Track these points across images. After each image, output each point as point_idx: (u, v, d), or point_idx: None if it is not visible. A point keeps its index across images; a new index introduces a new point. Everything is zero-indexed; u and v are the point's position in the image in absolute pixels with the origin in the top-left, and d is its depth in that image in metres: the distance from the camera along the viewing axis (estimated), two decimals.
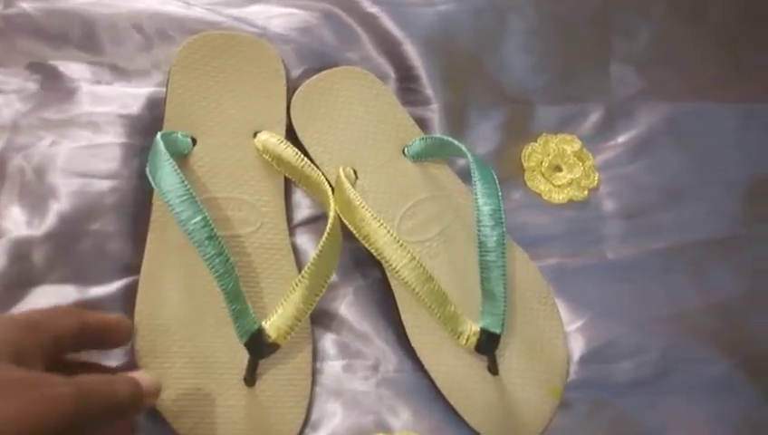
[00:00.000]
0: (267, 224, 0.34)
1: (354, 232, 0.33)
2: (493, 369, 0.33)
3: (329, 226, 0.31)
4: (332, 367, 0.34)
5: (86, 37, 0.37)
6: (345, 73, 0.38)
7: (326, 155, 0.36)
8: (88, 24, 0.37)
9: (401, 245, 0.31)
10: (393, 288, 0.34)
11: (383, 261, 0.32)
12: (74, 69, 0.37)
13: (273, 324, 0.30)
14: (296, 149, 0.34)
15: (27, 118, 0.35)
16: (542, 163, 0.40)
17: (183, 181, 0.29)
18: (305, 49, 0.39)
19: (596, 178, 0.40)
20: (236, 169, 0.35)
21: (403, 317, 0.34)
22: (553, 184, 0.40)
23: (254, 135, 0.35)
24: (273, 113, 0.36)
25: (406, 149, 0.37)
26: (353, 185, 0.34)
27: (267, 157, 0.35)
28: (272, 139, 0.35)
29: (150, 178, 0.31)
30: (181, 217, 0.29)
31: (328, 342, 0.34)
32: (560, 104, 0.42)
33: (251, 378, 0.31)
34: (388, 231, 0.31)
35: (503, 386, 0.33)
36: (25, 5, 0.37)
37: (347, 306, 0.35)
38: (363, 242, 0.32)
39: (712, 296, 0.38)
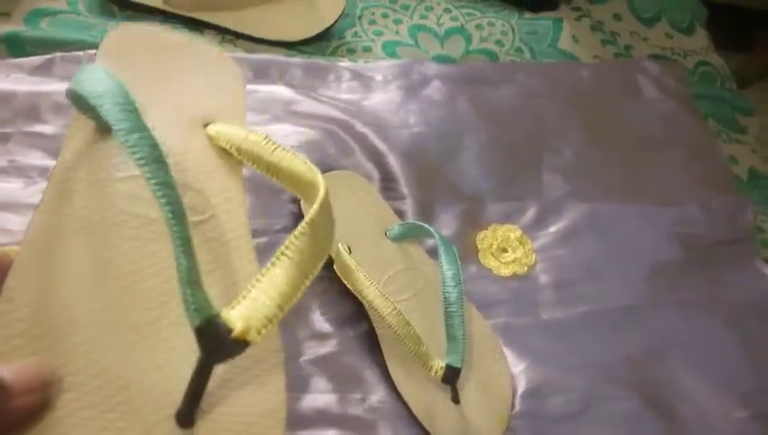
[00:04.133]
0: (220, 217, 0.25)
1: (351, 289, 0.43)
2: (455, 399, 0.43)
3: (319, 197, 0.22)
4: (329, 398, 0.43)
5: None
6: (342, 175, 0.50)
7: None
8: None
9: (386, 298, 0.41)
10: (378, 337, 0.44)
11: (373, 310, 0.42)
12: None
13: (239, 313, 0.20)
14: (264, 134, 0.26)
15: None
16: (491, 246, 0.52)
17: (126, 91, 0.23)
18: (313, 158, 0.51)
19: (534, 258, 0.52)
20: (176, 156, 0.26)
21: (386, 359, 0.43)
22: (501, 261, 0.52)
23: (205, 126, 0.28)
24: (232, 109, 0.29)
25: (387, 232, 0.49)
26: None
27: (224, 144, 0.27)
28: (230, 127, 0.27)
29: (76, 88, 0.24)
30: (120, 125, 0.21)
31: (323, 380, 0.44)
32: (505, 202, 0.55)
33: (190, 407, 0.20)
34: (377, 288, 0.42)
35: (462, 413, 0.43)
36: None
37: (341, 352, 0.45)
38: (358, 296, 0.43)
39: (625, 349, 0.49)
